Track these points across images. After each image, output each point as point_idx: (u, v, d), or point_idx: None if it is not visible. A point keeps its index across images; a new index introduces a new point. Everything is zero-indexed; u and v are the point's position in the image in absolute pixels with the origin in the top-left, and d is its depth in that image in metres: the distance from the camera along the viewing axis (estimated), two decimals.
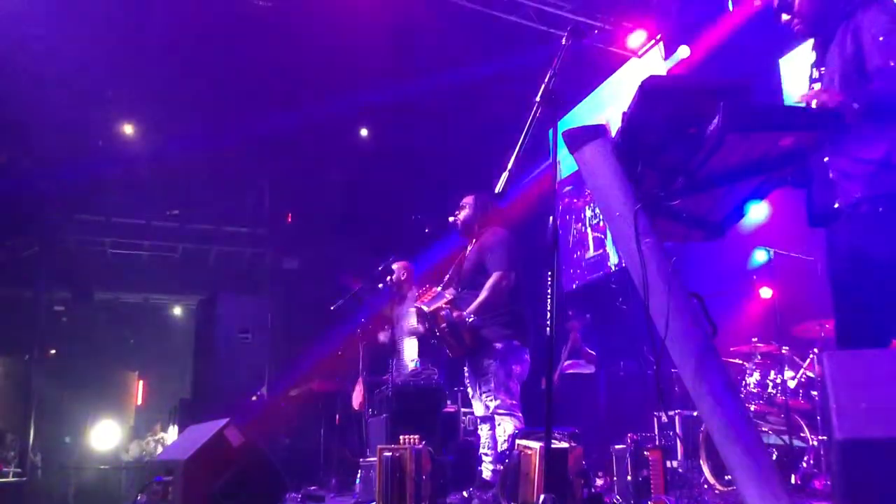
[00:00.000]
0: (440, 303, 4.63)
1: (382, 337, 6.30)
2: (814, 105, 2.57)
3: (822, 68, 2.73)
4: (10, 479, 9.68)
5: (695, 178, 2.29)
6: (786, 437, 4.73)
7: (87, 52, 7.60)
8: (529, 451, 3.38)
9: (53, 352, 13.99)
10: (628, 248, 2.35)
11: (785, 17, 2.80)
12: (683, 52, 7.01)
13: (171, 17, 7.58)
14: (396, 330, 6.21)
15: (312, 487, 6.87)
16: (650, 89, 2.27)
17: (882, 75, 2.45)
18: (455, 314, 4.55)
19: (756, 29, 6.02)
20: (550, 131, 2.62)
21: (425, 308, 4.67)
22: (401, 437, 4.26)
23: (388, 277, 6.23)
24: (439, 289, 4.86)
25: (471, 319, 4.53)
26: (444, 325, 4.55)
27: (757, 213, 5.82)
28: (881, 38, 2.49)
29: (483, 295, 4.58)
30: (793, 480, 4.52)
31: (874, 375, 1.78)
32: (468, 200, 4.99)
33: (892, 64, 2.45)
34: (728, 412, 2.22)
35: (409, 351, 6.23)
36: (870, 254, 2.49)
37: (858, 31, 2.56)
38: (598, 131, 2.44)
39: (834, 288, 2.68)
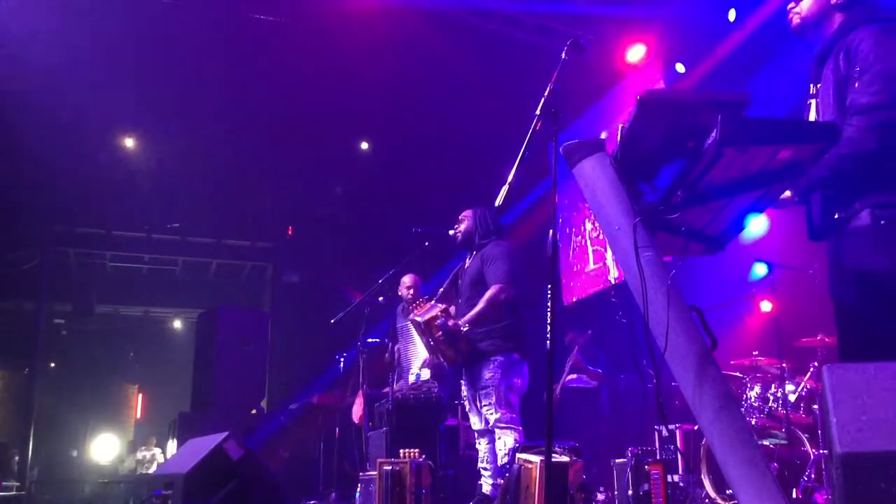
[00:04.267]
0: (435, 311, 4.60)
1: (386, 357, 6.28)
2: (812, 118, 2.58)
3: (819, 84, 2.74)
4: (12, 492, 9.65)
5: (693, 192, 2.29)
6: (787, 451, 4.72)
7: (89, 64, 7.64)
8: (530, 465, 3.37)
9: (53, 365, 13.99)
10: (627, 262, 2.35)
11: (791, 4, 2.80)
12: (679, 68, 7.04)
13: (173, 30, 7.63)
14: (400, 344, 6.20)
15: (312, 501, 6.85)
16: (648, 103, 2.27)
17: (855, 114, 2.46)
18: (451, 322, 4.53)
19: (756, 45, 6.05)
20: (550, 145, 2.63)
21: (419, 319, 4.65)
22: (401, 450, 4.25)
23: (405, 290, 6.21)
24: (433, 302, 4.85)
25: (465, 328, 4.52)
26: (439, 333, 4.53)
27: (756, 226, 5.82)
28: (857, 70, 2.50)
29: (480, 306, 4.56)
30: (794, 494, 4.50)
31: (875, 388, 1.78)
32: (467, 214, 5.01)
33: (864, 101, 2.45)
34: (729, 426, 2.22)
35: (412, 363, 6.21)
36: (872, 268, 2.48)
37: (849, 52, 2.57)
38: (597, 145, 2.45)
39: (836, 302, 2.67)
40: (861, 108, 2.44)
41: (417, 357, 6.14)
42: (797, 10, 2.77)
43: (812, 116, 2.76)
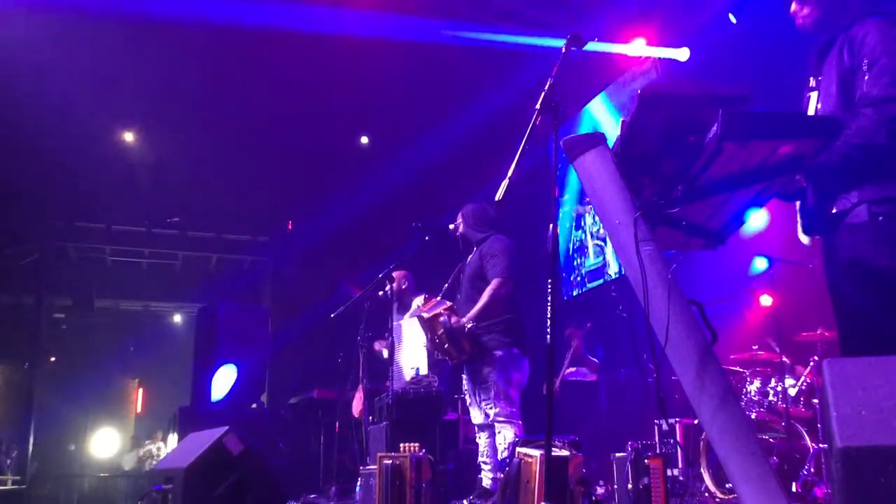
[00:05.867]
0: (439, 309, 4.63)
1: (381, 347, 6.29)
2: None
3: (820, 77, 2.74)
4: (9, 486, 9.66)
5: (694, 186, 2.29)
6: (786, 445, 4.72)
7: (89, 59, 7.62)
8: (530, 459, 3.37)
9: (53, 359, 13.99)
10: (628, 256, 2.35)
11: (794, 6, 2.79)
12: (682, 54, 7.02)
13: (173, 24, 7.60)
14: (394, 340, 6.19)
15: (312, 496, 6.85)
16: (649, 97, 2.27)
17: (867, 106, 2.46)
18: (453, 320, 4.55)
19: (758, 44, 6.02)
20: (550, 139, 2.63)
21: (424, 315, 4.68)
22: (401, 444, 4.25)
23: (389, 286, 6.22)
24: (439, 297, 4.87)
25: (469, 326, 4.53)
26: (441, 331, 4.55)
27: (757, 220, 5.82)
28: (866, 62, 2.50)
29: (481, 301, 4.58)
30: (794, 488, 4.51)
31: (874, 382, 1.78)
32: (467, 208, 5.02)
33: (875, 93, 2.45)
34: (728, 420, 2.22)
35: (409, 359, 6.22)
36: (870, 263, 2.48)
37: (853, 43, 2.57)
38: (597, 139, 2.45)
39: (834, 297, 2.67)
40: (873, 99, 2.45)
41: (410, 355, 6.15)
42: (806, 12, 2.76)
43: (812, 109, 2.76)
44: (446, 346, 4.57)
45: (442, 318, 4.56)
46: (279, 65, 8.34)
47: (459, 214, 5.05)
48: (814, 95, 2.75)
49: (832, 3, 2.71)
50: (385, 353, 6.27)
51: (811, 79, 2.77)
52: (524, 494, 3.39)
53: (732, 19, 6.35)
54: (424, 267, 6.52)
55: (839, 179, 2.53)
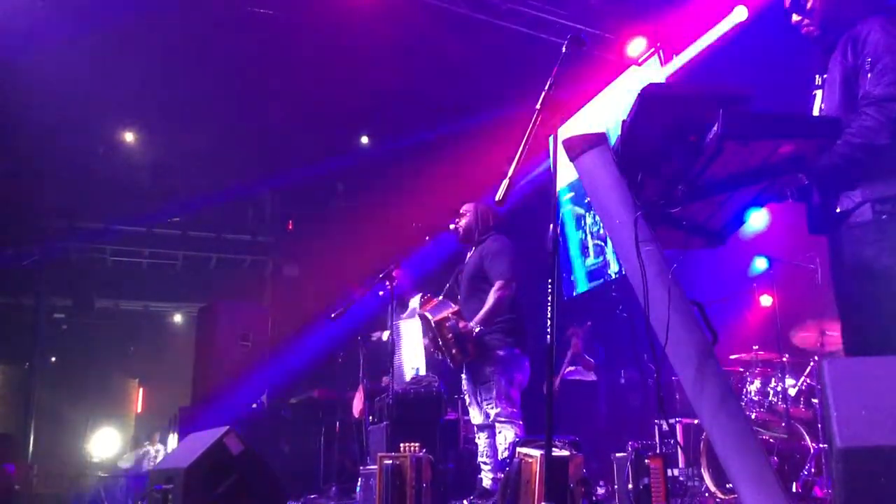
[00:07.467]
0: (446, 312, 4.59)
1: (378, 335, 6.27)
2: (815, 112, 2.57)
3: (825, 75, 2.74)
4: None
5: (695, 186, 2.29)
6: (787, 445, 4.72)
7: (88, 58, 7.62)
8: (530, 460, 3.37)
9: (54, 360, 14.00)
10: (628, 256, 2.35)
11: (795, 17, 2.79)
12: (677, 61, 7.05)
13: (173, 24, 7.61)
14: (394, 340, 6.19)
15: (312, 496, 6.86)
16: (650, 97, 2.27)
17: (869, 105, 2.46)
18: (461, 325, 4.53)
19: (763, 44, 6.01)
20: (550, 139, 2.62)
21: (430, 317, 4.64)
22: (401, 444, 4.25)
23: (388, 284, 6.22)
24: (441, 297, 4.84)
25: (477, 330, 4.52)
26: (449, 335, 4.51)
27: (757, 220, 5.82)
28: (868, 61, 2.50)
29: (488, 304, 4.56)
30: (794, 488, 4.51)
31: (874, 383, 1.77)
32: (468, 208, 5.00)
33: (878, 92, 2.46)
34: (729, 420, 2.22)
35: (409, 359, 6.22)
36: (873, 263, 2.48)
37: (856, 42, 2.57)
38: (598, 139, 2.44)
39: (838, 296, 2.67)
40: (875, 98, 2.45)
41: (410, 354, 6.15)
42: (807, 22, 2.76)
43: (817, 107, 2.75)
44: (451, 348, 4.54)
45: (450, 323, 4.53)
46: (279, 65, 8.34)
47: (471, 208, 4.99)
48: (819, 93, 2.74)
49: (833, 7, 2.71)
50: (385, 336, 6.25)
51: (817, 76, 2.77)
52: (524, 495, 3.39)
53: (743, 14, 6.33)
54: (424, 267, 6.52)
55: (842, 179, 2.53)
